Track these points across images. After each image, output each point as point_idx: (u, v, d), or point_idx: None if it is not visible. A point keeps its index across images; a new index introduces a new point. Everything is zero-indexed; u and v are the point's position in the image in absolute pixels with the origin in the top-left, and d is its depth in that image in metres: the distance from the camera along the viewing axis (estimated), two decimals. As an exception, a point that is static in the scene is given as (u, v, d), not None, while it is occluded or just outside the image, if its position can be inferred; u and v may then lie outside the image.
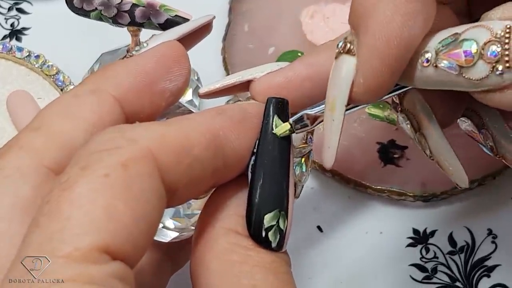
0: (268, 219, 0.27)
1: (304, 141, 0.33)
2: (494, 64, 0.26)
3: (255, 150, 0.28)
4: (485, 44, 0.26)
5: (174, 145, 0.25)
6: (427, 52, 0.27)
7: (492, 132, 0.33)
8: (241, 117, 0.28)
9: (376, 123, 0.49)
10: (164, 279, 0.37)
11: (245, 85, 0.32)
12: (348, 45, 0.28)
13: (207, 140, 0.26)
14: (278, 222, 0.28)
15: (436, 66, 0.27)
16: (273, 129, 0.28)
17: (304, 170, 0.34)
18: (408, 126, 0.34)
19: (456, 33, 0.27)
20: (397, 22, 0.27)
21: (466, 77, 0.26)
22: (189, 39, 0.34)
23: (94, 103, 0.28)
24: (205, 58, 0.54)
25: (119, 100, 0.29)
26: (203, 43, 0.54)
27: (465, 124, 0.34)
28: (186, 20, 0.44)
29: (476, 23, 0.27)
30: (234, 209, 0.28)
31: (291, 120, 0.29)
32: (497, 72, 0.26)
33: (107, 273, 0.22)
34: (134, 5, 0.43)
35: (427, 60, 0.27)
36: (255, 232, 0.27)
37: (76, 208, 0.23)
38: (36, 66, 0.51)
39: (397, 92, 0.30)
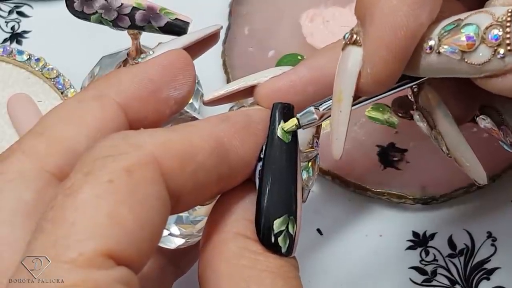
0: (277, 225, 0.27)
1: (310, 146, 0.33)
2: (495, 48, 0.26)
3: (262, 156, 0.28)
4: (486, 28, 0.26)
5: (178, 151, 0.25)
6: (430, 39, 0.27)
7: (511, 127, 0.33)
8: (246, 123, 0.28)
9: (376, 126, 0.49)
10: (168, 285, 0.37)
11: (249, 91, 0.32)
12: (355, 36, 0.28)
13: (211, 146, 0.26)
14: (287, 227, 0.28)
15: (439, 53, 0.27)
16: (278, 133, 0.28)
17: (310, 174, 0.34)
18: (425, 124, 0.34)
19: (459, 19, 0.27)
20: (403, 12, 0.27)
21: (468, 62, 0.26)
22: (196, 49, 0.34)
23: (97, 109, 0.28)
24: (205, 61, 0.53)
25: (123, 106, 0.29)
26: (203, 46, 0.55)
27: (484, 121, 0.34)
28: (186, 23, 0.44)
29: (478, 10, 0.27)
30: (243, 213, 0.28)
31: (298, 115, 0.29)
32: (499, 56, 0.26)
33: (112, 278, 0.22)
34: (135, 8, 0.43)
35: (430, 48, 0.27)
36: (265, 238, 0.27)
37: (80, 214, 0.23)
38: (37, 69, 0.51)
39: (404, 87, 0.30)
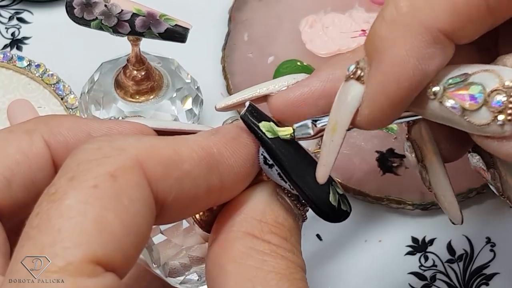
0: (332, 199, 0.28)
1: (318, 146, 0.33)
2: (496, 114, 0.26)
3: (269, 162, 0.28)
4: (491, 91, 0.26)
5: (162, 157, 0.25)
6: (435, 85, 0.27)
7: (501, 172, 0.33)
8: (235, 134, 0.28)
9: (375, 132, 0.50)
10: None
11: (261, 99, 0.32)
12: (359, 71, 0.28)
13: (199, 156, 0.26)
14: (337, 192, 0.29)
15: (441, 102, 0.27)
16: (268, 137, 0.28)
17: None
18: (412, 155, 0.34)
19: (466, 73, 0.26)
20: (411, 65, 0.26)
21: (467, 120, 0.26)
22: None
23: (25, 142, 0.28)
24: (205, 67, 0.54)
25: (51, 149, 0.28)
26: (203, 52, 0.55)
27: (475, 159, 0.34)
28: (186, 29, 0.44)
29: (487, 67, 0.26)
30: (252, 213, 0.28)
31: (295, 125, 0.29)
32: (498, 122, 0.26)
33: (102, 286, 0.22)
34: (135, 15, 0.44)
35: (434, 94, 0.27)
36: (337, 217, 0.29)
37: (66, 221, 0.23)
38: (37, 75, 0.52)
39: (401, 121, 0.30)
